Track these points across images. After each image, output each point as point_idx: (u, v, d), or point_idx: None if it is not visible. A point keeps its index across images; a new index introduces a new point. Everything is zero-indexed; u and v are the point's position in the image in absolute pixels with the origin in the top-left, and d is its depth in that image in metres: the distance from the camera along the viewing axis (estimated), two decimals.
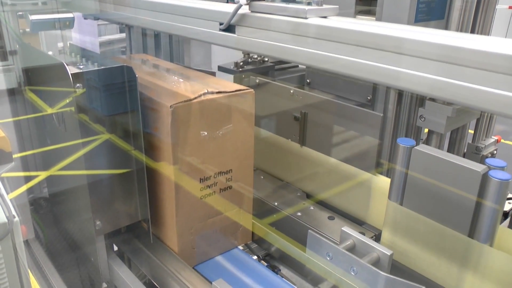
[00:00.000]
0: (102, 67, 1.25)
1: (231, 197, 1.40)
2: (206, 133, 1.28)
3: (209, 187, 1.34)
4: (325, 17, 0.91)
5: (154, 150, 1.34)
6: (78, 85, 1.20)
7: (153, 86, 1.36)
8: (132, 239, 1.52)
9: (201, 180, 1.32)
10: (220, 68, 1.76)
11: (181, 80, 1.42)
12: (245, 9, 1.01)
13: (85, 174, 1.32)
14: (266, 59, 1.85)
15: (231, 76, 1.77)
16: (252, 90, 1.33)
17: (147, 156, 1.35)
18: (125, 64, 1.24)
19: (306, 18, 0.89)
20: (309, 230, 1.12)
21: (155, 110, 1.28)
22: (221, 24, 1.06)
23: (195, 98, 1.23)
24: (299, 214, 1.51)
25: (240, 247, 1.50)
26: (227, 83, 1.37)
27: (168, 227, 1.39)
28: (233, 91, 1.29)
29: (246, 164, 1.40)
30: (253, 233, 1.51)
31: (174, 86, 1.35)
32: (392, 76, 0.78)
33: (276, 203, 1.57)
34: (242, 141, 1.36)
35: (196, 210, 1.35)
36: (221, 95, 1.27)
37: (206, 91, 1.26)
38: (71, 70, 1.22)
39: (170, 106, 1.19)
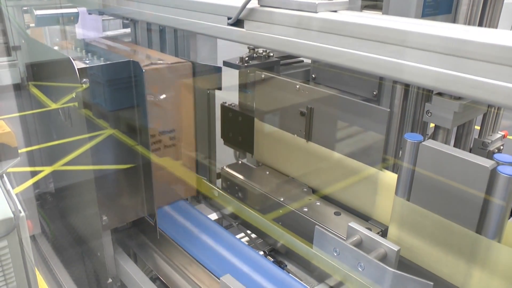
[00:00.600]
0: (108, 62, 1.25)
1: (174, 154, 1.60)
2: (151, 97, 1.47)
3: (155, 143, 1.52)
4: (335, 11, 0.90)
5: None
6: (84, 80, 1.20)
7: None
8: (138, 234, 1.52)
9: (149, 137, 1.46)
10: (226, 63, 1.76)
11: (134, 55, 1.61)
12: (254, 3, 1.00)
13: (92, 169, 1.32)
14: (271, 54, 1.84)
15: (237, 72, 1.76)
16: (190, 62, 1.56)
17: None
18: (131, 59, 1.24)
19: (316, 12, 0.88)
20: (316, 226, 1.12)
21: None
22: (229, 18, 1.05)
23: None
24: (305, 209, 1.51)
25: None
26: (172, 58, 1.57)
27: None
28: (172, 63, 1.51)
29: (188, 126, 1.61)
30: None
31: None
32: (399, 70, 0.78)
33: (282, 199, 1.57)
34: (183, 106, 1.57)
35: None
36: (161, 65, 1.48)
37: (150, 62, 1.47)
38: (78, 65, 1.22)
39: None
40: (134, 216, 1.45)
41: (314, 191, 1.62)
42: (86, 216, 1.50)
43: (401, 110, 1.39)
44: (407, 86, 1.37)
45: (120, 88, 1.28)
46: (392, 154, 1.45)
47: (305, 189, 1.63)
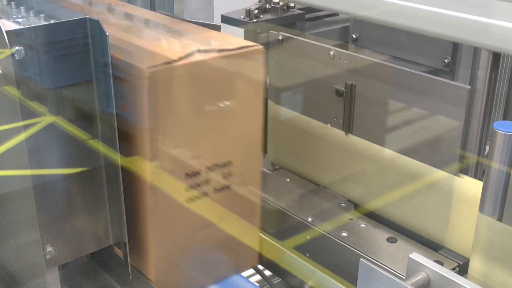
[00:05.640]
0: (54, 21, 1.25)
1: (229, 202, 1.44)
2: (195, 110, 1.32)
3: (198, 186, 1.38)
4: None
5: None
6: (18, 48, 1.19)
7: (119, 43, 1.38)
8: (100, 272, 1.52)
9: (187, 176, 1.35)
10: (225, 19, 1.76)
11: (161, 34, 1.45)
12: None
13: (29, 175, 1.32)
14: (292, 5, 1.84)
15: (241, 31, 1.76)
16: (261, 47, 1.35)
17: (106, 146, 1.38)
18: (88, 16, 1.23)
19: None
20: (361, 259, 1.12)
21: (120, 78, 1.30)
22: None
23: (181, 59, 1.25)
24: (345, 234, 1.51)
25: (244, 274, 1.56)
26: (227, 38, 1.40)
27: (140, 244, 1.41)
28: (235, 49, 1.32)
29: (252, 155, 1.44)
30: (261, 255, 1.54)
31: (150, 42, 1.37)
32: (483, 31, 0.77)
33: (309, 219, 1.57)
34: (248, 122, 1.40)
35: (179, 220, 1.38)
36: (217, 54, 1.30)
37: (196, 49, 1.28)
38: (6, 25, 1.21)
39: (146, 70, 1.21)
40: (94, 246, 1.45)
41: (356, 206, 1.63)
42: (21, 245, 1.51)
43: (488, 87, 1.38)
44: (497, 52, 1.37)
45: (74, 59, 1.27)
46: (474, 152, 1.46)
47: (344, 204, 1.63)
